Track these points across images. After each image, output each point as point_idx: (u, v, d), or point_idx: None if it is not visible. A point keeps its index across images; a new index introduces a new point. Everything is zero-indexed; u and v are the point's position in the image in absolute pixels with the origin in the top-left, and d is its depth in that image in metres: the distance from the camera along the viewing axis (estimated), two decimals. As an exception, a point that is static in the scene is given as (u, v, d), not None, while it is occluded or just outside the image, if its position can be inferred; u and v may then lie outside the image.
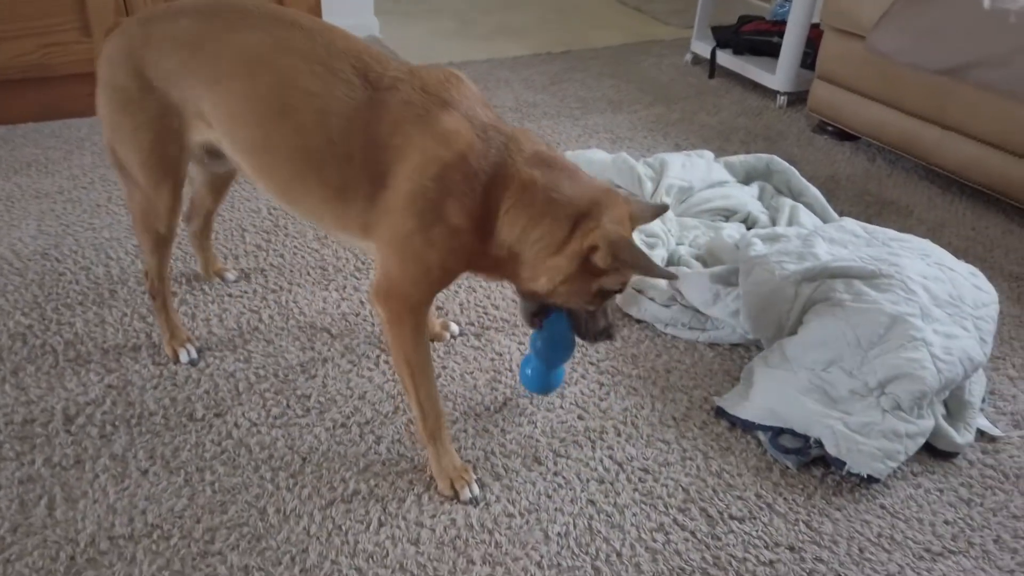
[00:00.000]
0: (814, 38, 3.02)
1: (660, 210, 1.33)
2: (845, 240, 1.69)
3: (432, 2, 4.28)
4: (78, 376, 1.55)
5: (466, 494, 1.34)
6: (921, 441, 1.41)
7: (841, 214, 2.20)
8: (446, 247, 1.21)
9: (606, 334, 1.33)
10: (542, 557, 1.25)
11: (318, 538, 1.26)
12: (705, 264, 1.86)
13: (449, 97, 1.21)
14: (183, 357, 1.59)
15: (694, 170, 2.16)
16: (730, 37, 3.36)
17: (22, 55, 2.47)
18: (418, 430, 1.36)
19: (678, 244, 1.94)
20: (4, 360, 1.57)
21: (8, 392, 1.50)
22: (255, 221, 2.11)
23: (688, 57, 3.52)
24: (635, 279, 1.80)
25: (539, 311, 1.34)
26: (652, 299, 1.77)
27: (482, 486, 1.37)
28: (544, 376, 1.45)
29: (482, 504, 1.34)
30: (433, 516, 1.31)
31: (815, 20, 2.97)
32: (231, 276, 1.86)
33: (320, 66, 1.20)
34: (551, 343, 1.38)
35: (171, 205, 1.43)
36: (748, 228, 2.03)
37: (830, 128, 2.84)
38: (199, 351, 1.62)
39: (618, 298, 1.82)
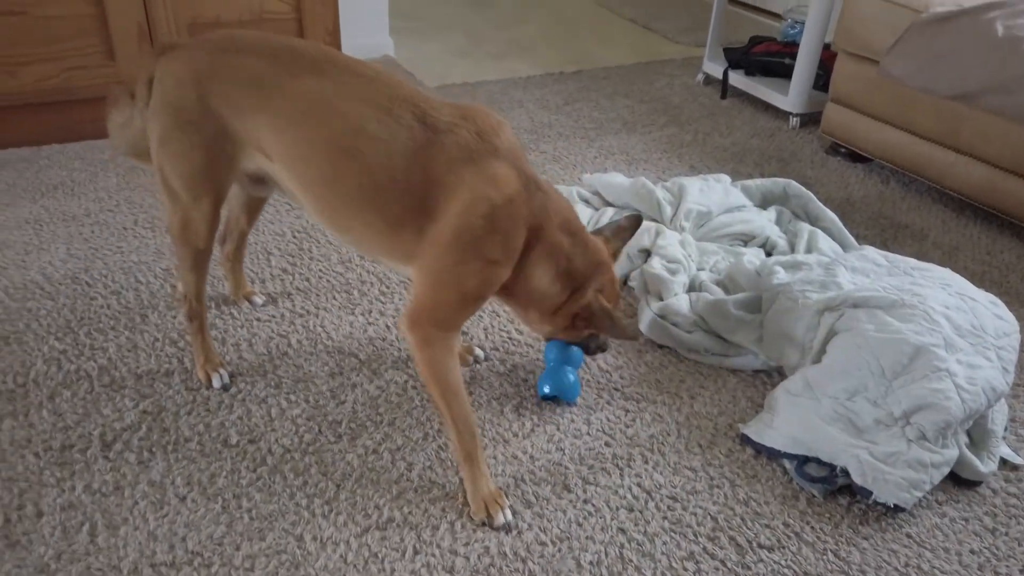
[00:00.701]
0: (826, 59, 3.06)
1: (635, 225, 1.59)
2: (867, 269, 1.72)
3: (442, 20, 4.32)
4: (113, 402, 1.57)
5: (500, 519, 1.36)
6: (946, 470, 1.43)
7: (857, 238, 2.23)
8: (482, 278, 1.31)
9: (601, 348, 1.59)
10: (575, 585, 1.28)
11: (355, 566, 1.28)
12: (726, 290, 1.89)
13: (500, 143, 1.31)
14: (216, 382, 1.62)
15: (712, 194, 2.19)
16: (741, 58, 3.39)
17: (46, 78, 2.50)
18: (454, 452, 1.40)
19: (699, 269, 1.97)
20: (40, 385, 1.60)
21: (46, 418, 1.52)
22: (280, 244, 2.14)
23: (700, 77, 3.56)
24: (657, 306, 1.83)
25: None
26: (676, 324, 1.79)
27: (514, 513, 1.39)
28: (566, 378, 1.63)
29: (514, 532, 1.36)
30: (467, 544, 1.34)
31: (827, 40, 3.00)
32: (259, 300, 1.89)
33: (385, 114, 1.28)
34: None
35: (210, 220, 1.48)
36: (767, 253, 2.06)
37: (843, 150, 2.87)
38: (231, 376, 1.65)
39: (641, 324, 1.85)
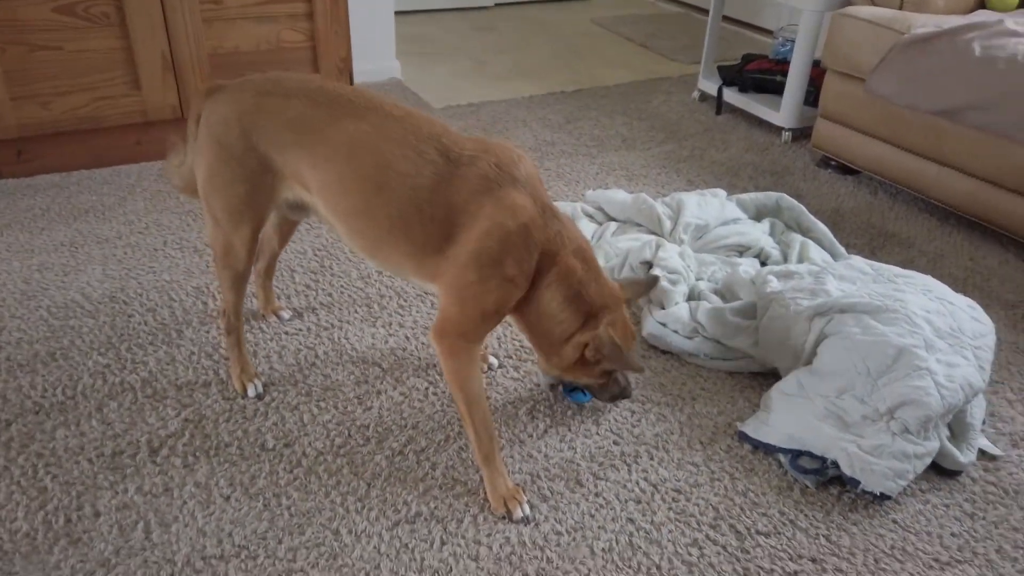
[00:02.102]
0: (815, 76, 3.20)
1: (650, 284, 1.68)
2: (854, 277, 1.85)
3: (447, 45, 4.48)
4: (157, 411, 1.70)
5: (518, 513, 1.48)
6: (928, 461, 1.56)
7: (847, 247, 2.36)
8: (499, 295, 1.42)
9: (621, 395, 1.63)
10: (589, 571, 1.40)
11: (388, 556, 1.41)
12: (723, 298, 2.02)
13: (518, 174, 1.43)
14: (251, 391, 1.75)
15: (709, 208, 2.32)
16: (735, 75, 3.54)
17: (76, 108, 2.64)
18: (473, 453, 1.52)
19: (697, 279, 2.10)
20: (88, 397, 1.73)
21: (96, 427, 1.65)
22: (302, 262, 2.27)
23: (695, 95, 3.70)
24: (659, 313, 1.96)
25: (555, 383, 1.62)
26: (676, 331, 1.92)
27: (531, 507, 1.51)
28: None
29: (532, 523, 1.48)
30: (489, 535, 1.46)
31: (817, 56, 3.15)
32: (286, 315, 2.02)
33: (411, 151, 1.41)
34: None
35: (249, 246, 1.61)
36: (761, 263, 2.19)
37: (833, 163, 3.01)
38: (264, 386, 1.77)
39: (644, 328, 1.98)
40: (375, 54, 3.72)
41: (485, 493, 1.52)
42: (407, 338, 1.97)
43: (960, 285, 2.28)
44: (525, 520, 1.48)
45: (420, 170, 1.40)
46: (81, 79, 2.61)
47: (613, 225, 2.37)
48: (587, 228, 2.35)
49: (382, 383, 1.82)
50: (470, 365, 1.47)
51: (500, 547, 1.43)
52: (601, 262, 2.17)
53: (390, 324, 2.02)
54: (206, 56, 2.74)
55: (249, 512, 1.47)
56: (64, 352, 1.86)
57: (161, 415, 1.69)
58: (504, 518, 1.49)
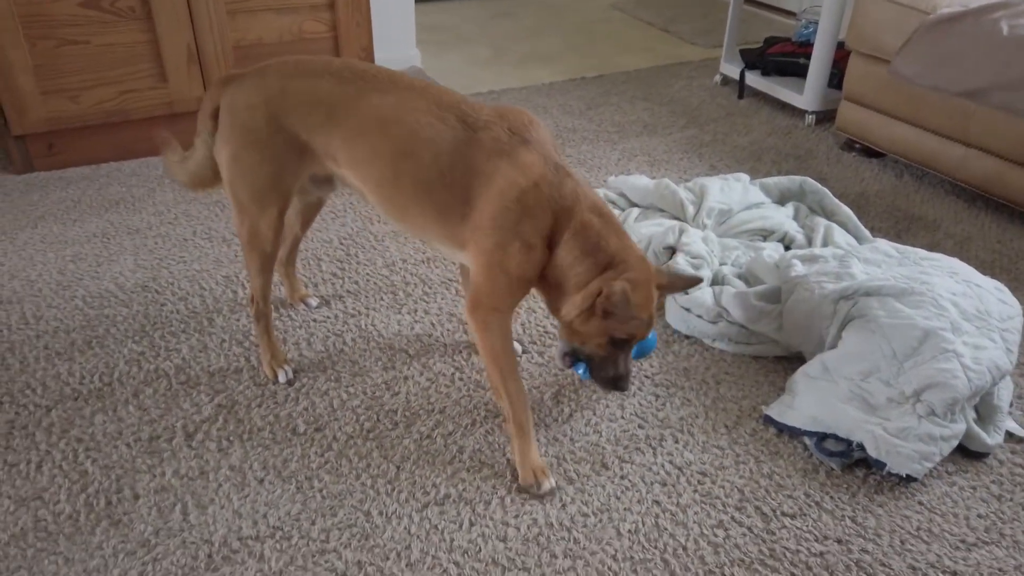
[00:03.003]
0: (839, 58, 3.17)
1: (692, 282, 1.60)
2: (879, 260, 1.84)
3: (466, 32, 4.48)
4: (191, 397, 1.74)
5: (546, 486, 1.53)
6: (954, 443, 1.56)
7: (872, 230, 2.35)
8: (522, 259, 1.45)
9: (616, 384, 1.52)
10: (616, 551, 1.42)
11: (418, 536, 1.44)
12: (747, 282, 2.02)
13: (530, 137, 1.47)
14: (281, 377, 1.78)
15: (732, 193, 2.32)
16: (757, 59, 3.51)
17: (104, 102, 2.69)
18: (508, 424, 1.56)
19: (721, 264, 2.10)
20: (125, 384, 1.77)
21: (132, 412, 1.69)
22: (328, 251, 2.30)
23: (717, 79, 3.68)
24: (683, 298, 1.97)
25: (569, 351, 1.54)
26: (700, 316, 1.93)
27: (557, 488, 1.53)
28: None
29: (559, 505, 1.51)
30: (516, 516, 1.48)
31: (841, 38, 3.11)
32: (313, 303, 2.05)
33: (434, 119, 1.46)
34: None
35: (276, 227, 1.65)
36: (785, 247, 2.18)
37: (857, 146, 2.98)
38: (294, 372, 1.81)
39: (667, 313, 1.99)
40: (395, 43, 3.73)
41: (512, 473, 1.55)
42: (433, 324, 2.00)
43: (987, 267, 2.26)
44: (551, 492, 1.52)
45: (442, 136, 1.45)
46: (108, 72, 2.65)
47: (635, 211, 2.37)
48: (610, 214, 2.36)
49: (409, 369, 1.85)
50: (504, 337, 1.52)
51: (527, 528, 1.46)
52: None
53: (415, 311, 2.05)
54: (230, 48, 2.77)
55: (283, 494, 1.51)
56: (100, 340, 1.91)
57: (195, 401, 1.73)
58: (530, 489, 1.52)
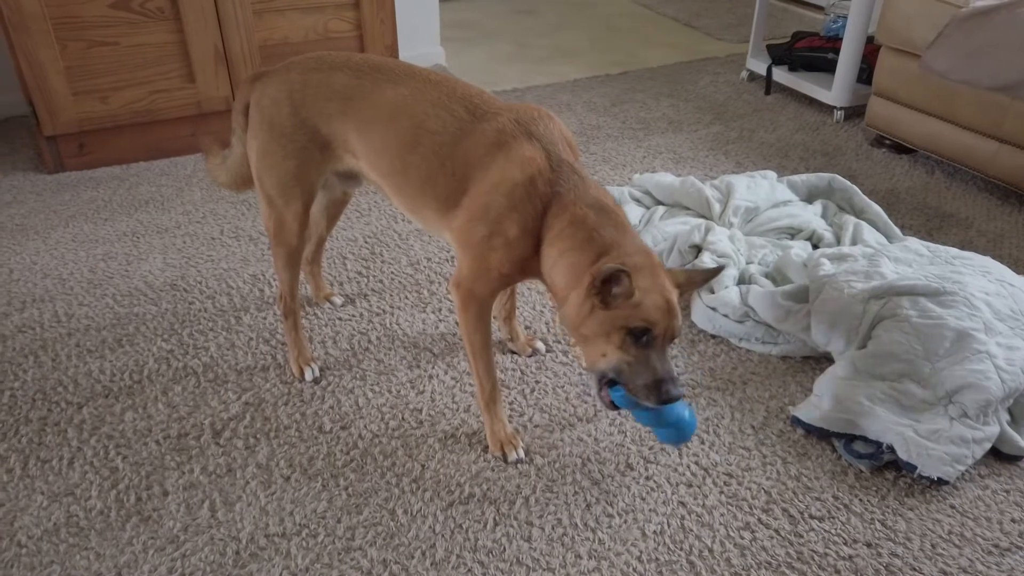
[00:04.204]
0: (868, 53, 3.12)
1: (712, 274, 1.50)
2: (909, 259, 1.81)
3: (489, 29, 4.47)
4: (219, 395, 1.76)
5: (513, 456, 1.59)
6: (987, 446, 1.53)
7: (902, 228, 2.31)
8: (503, 254, 1.44)
9: (659, 389, 1.30)
10: (641, 552, 1.41)
11: (443, 535, 1.44)
12: (774, 281, 2.00)
13: (535, 130, 1.44)
14: (308, 375, 1.80)
15: (759, 191, 2.30)
16: (785, 54, 3.47)
17: (133, 102, 2.72)
18: (477, 399, 1.61)
19: (748, 263, 2.08)
20: (154, 381, 1.80)
21: (161, 410, 1.72)
22: (353, 250, 2.31)
23: (744, 74, 3.64)
24: (709, 298, 1.95)
25: (599, 377, 1.38)
26: (726, 315, 1.91)
27: (581, 489, 1.53)
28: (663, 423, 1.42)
29: (584, 505, 1.50)
30: (541, 516, 1.48)
31: (870, 32, 3.07)
32: (338, 301, 2.06)
33: (442, 110, 1.47)
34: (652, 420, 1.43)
35: (301, 220, 1.67)
36: (813, 246, 2.16)
37: (888, 142, 2.94)
38: (320, 370, 1.82)
39: (694, 312, 1.97)
40: (419, 40, 3.74)
41: (537, 472, 1.55)
42: (457, 323, 2.00)
43: (1021, 266, 2.21)
44: (518, 462, 1.57)
45: (447, 127, 1.46)
46: (137, 73, 2.68)
47: (661, 209, 2.36)
48: (634, 212, 2.35)
49: (434, 367, 1.85)
50: (479, 319, 1.53)
51: (552, 528, 1.45)
52: (649, 245, 2.18)
53: (440, 309, 2.05)
54: (256, 48, 2.79)
55: (308, 492, 1.52)
56: (130, 338, 1.93)
57: (223, 399, 1.75)
58: (501, 459, 1.58)
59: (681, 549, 1.42)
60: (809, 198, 2.36)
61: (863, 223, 2.18)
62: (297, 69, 1.59)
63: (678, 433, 1.42)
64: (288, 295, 1.77)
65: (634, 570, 1.38)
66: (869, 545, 1.42)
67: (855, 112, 3.20)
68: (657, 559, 1.40)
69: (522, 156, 1.40)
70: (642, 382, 1.32)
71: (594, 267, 1.33)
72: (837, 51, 3.19)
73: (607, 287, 1.30)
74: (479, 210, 1.43)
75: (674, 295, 1.37)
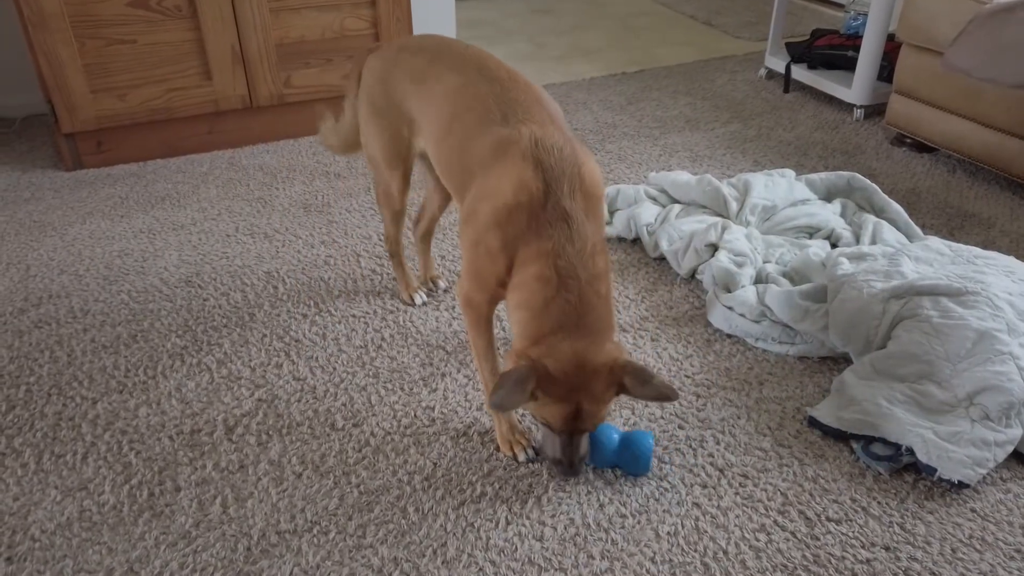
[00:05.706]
0: (889, 51, 3.08)
1: (661, 397, 1.31)
2: (930, 259, 1.78)
3: (506, 27, 4.47)
4: (232, 391, 1.76)
5: (522, 456, 1.57)
6: (1010, 449, 1.50)
7: (923, 227, 2.27)
8: (486, 262, 1.41)
9: (558, 466, 1.41)
10: (655, 553, 1.39)
11: (454, 534, 1.43)
12: (792, 281, 1.97)
13: (550, 161, 1.35)
14: (417, 300, 2.02)
15: (776, 189, 2.27)
16: (804, 52, 3.43)
17: (150, 100, 2.73)
18: (485, 401, 1.62)
19: (765, 262, 2.05)
20: (168, 377, 1.80)
21: (175, 406, 1.72)
22: (367, 247, 2.31)
23: (762, 72, 3.61)
24: (726, 297, 1.92)
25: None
26: (743, 315, 1.89)
27: (594, 489, 1.51)
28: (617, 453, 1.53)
29: (597, 505, 1.48)
30: (553, 516, 1.47)
31: (891, 30, 3.02)
32: (442, 284, 2.12)
33: (481, 105, 1.47)
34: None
35: (401, 187, 1.81)
36: (832, 245, 2.13)
37: (908, 140, 2.89)
38: (428, 293, 2.06)
39: (710, 312, 1.95)
40: (436, 39, 3.73)
41: (549, 472, 1.54)
42: (470, 321, 1.99)
43: (1045, 266, 2.17)
44: (529, 461, 1.57)
45: (476, 122, 1.46)
46: (155, 71, 2.69)
47: (677, 207, 2.33)
48: (650, 211, 2.33)
49: (447, 365, 1.84)
50: (476, 323, 1.52)
51: (564, 528, 1.44)
52: (664, 245, 2.16)
53: (453, 308, 2.04)
54: (273, 46, 2.80)
55: (320, 489, 1.52)
56: (144, 334, 1.94)
57: (236, 395, 1.75)
58: (512, 459, 1.58)
59: (695, 551, 1.40)
60: (828, 197, 2.33)
61: (883, 222, 2.15)
62: (395, 47, 1.70)
63: (635, 463, 1.54)
64: (394, 242, 1.96)
65: (647, 571, 1.36)
66: (887, 549, 1.40)
67: (875, 110, 3.15)
68: (671, 560, 1.38)
69: (520, 179, 1.33)
70: (549, 455, 1.44)
71: (517, 355, 1.33)
72: (857, 49, 3.15)
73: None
74: (469, 212, 1.43)
75: (594, 402, 1.32)
